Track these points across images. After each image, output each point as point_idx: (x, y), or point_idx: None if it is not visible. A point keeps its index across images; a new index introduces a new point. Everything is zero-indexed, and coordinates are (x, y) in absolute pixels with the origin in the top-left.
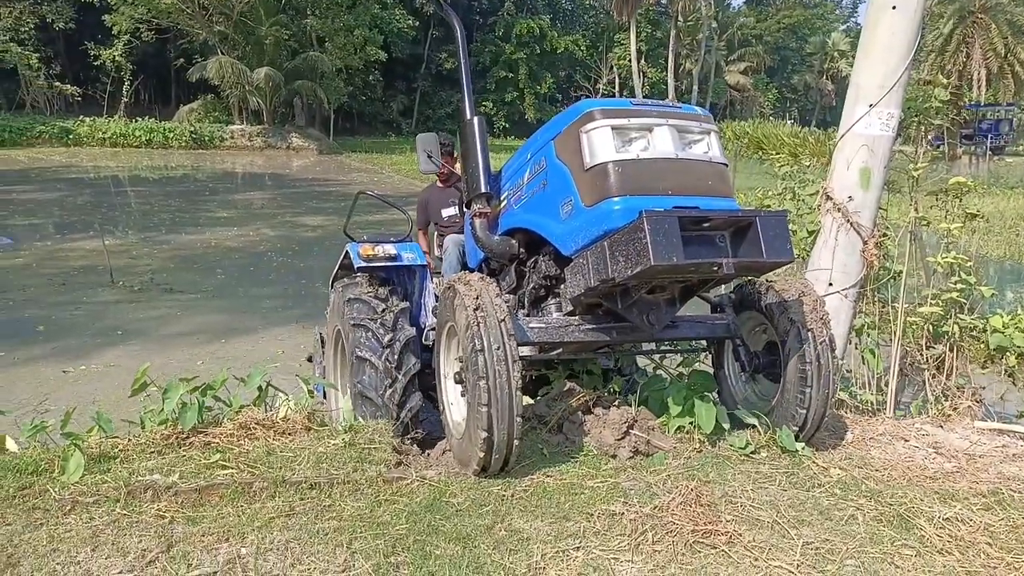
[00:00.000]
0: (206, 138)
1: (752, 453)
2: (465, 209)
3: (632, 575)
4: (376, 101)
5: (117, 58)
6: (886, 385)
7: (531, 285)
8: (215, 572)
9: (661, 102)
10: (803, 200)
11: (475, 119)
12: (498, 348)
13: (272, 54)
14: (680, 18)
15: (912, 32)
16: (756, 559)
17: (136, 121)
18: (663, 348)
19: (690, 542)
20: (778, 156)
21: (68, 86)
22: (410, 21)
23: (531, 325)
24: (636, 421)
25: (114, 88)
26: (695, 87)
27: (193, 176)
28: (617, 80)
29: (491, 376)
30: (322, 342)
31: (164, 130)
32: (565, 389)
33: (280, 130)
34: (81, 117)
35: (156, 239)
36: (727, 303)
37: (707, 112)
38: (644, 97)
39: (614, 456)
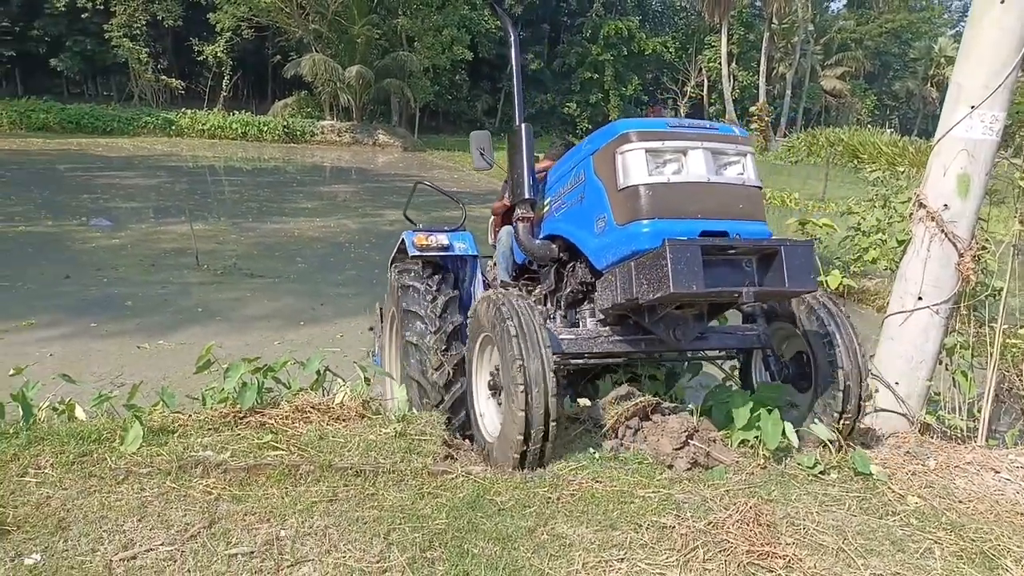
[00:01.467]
0: (297, 132)
1: (821, 473)
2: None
3: None
4: (461, 100)
5: (219, 54)
6: (978, 411)
7: (568, 289)
8: (252, 552)
9: (699, 122)
10: (895, 208)
11: (523, 126)
12: (535, 359)
13: (363, 52)
14: (775, 21)
15: (1021, 28)
16: None
17: (233, 114)
18: (695, 357)
19: (744, 563)
20: (874, 164)
21: (173, 80)
22: (498, 22)
23: (562, 336)
24: (696, 431)
25: (215, 82)
26: (788, 91)
27: (283, 168)
28: (706, 83)
29: (531, 383)
30: (381, 317)
31: (259, 124)
32: (623, 393)
33: (367, 126)
34: (183, 109)
35: (243, 226)
36: (759, 313)
37: (744, 132)
38: (734, 101)
39: (670, 466)
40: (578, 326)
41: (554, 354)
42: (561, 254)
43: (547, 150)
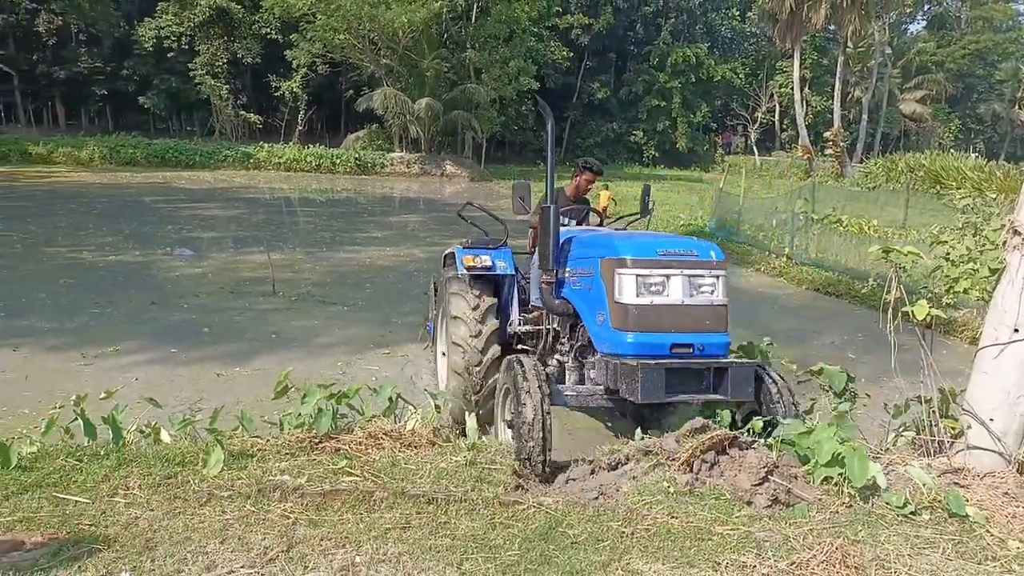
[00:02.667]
0: (368, 164)
1: (912, 514)
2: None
3: None
4: (527, 130)
5: (295, 89)
6: None
7: (578, 343)
8: None
9: (687, 247)
10: (985, 236)
11: (551, 209)
12: (535, 409)
13: (432, 86)
14: (850, 44)
15: None
16: None
17: (308, 148)
18: None
19: None
20: (959, 191)
21: (252, 115)
22: (564, 52)
23: (566, 393)
24: (777, 467)
25: (291, 117)
26: (864, 116)
27: (354, 199)
28: (777, 108)
29: (533, 427)
30: (436, 290)
31: (332, 156)
32: (698, 425)
33: (435, 157)
34: (261, 143)
35: (317, 255)
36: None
37: (721, 256)
38: (807, 126)
39: (749, 503)
40: (583, 369)
41: (555, 405)
42: (575, 312)
43: (574, 174)
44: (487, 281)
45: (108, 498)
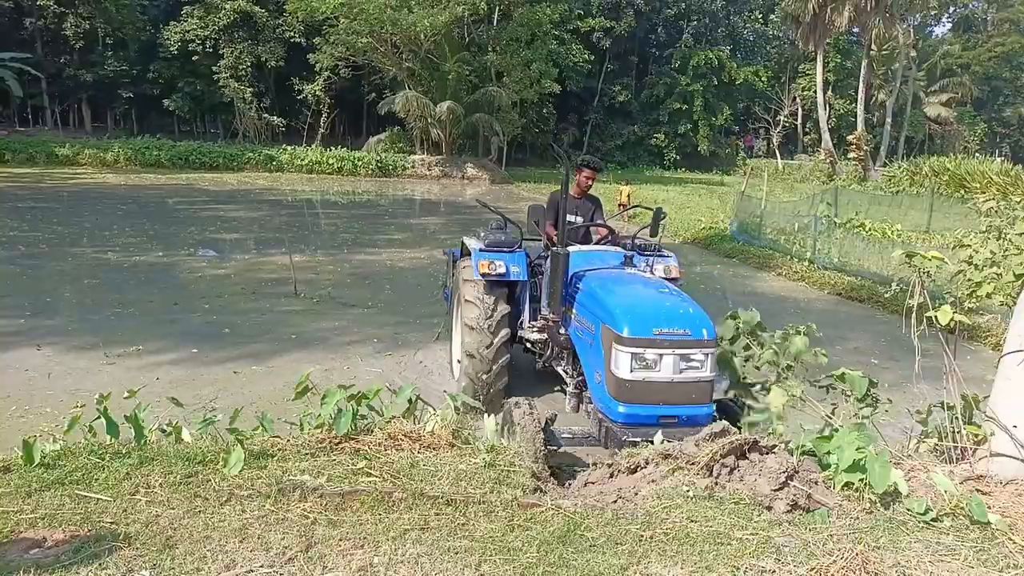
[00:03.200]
0: (390, 167)
1: (933, 520)
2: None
3: None
4: (548, 133)
5: (317, 92)
6: None
7: (580, 376)
8: None
9: (682, 323)
10: (1010, 239)
11: (562, 253)
12: (530, 448)
13: (454, 88)
14: (874, 47)
15: None
16: None
17: (330, 150)
18: None
19: None
20: (983, 195)
21: (275, 118)
22: (586, 55)
23: (563, 436)
24: (797, 472)
25: (313, 120)
26: (888, 119)
27: (376, 202)
28: (800, 111)
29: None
30: (452, 262)
31: (353, 159)
32: (718, 430)
33: (456, 160)
34: (284, 146)
35: (338, 257)
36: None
37: (713, 335)
38: (830, 130)
39: (768, 508)
40: (581, 399)
41: (551, 447)
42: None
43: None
44: (501, 283)
45: (129, 496)
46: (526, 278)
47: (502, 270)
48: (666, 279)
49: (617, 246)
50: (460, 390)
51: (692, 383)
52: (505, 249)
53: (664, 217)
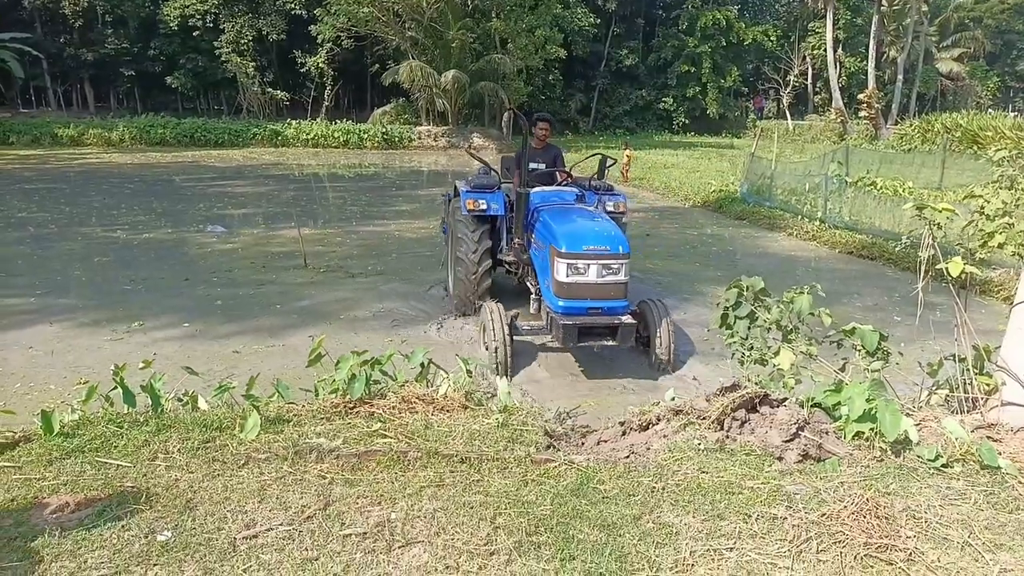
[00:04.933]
0: (395, 139)
1: (943, 467)
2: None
3: None
4: (555, 100)
5: (320, 65)
6: None
7: (539, 285)
8: (365, 533)
9: (601, 246)
10: (1023, 190)
11: (523, 192)
12: (504, 347)
13: (458, 57)
14: (884, 3)
15: None
16: None
17: (335, 124)
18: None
19: (861, 555)
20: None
21: (278, 92)
22: (592, 19)
23: (524, 327)
24: (808, 423)
25: (317, 93)
26: (899, 76)
27: (382, 174)
28: (810, 71)
29: (501, 354)
30: (448, 201)
31: (359, 131)
32: (729, 384)
33: (463, 130)
34: (288, 120)
35: (346, 229)
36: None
37: (627, 250)
38: (840, 88)
39: (780, 458)
40: (541, 304)
41: (517, 336)
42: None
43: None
44: (483, 217)
45: (148, 462)
46: (503, 213)
47: (484, 207)
48: (613, 212)
49: (579, 187)
50: (453, 305)
51: (611, 284)
52: (487, 190)
53: (613, 164)
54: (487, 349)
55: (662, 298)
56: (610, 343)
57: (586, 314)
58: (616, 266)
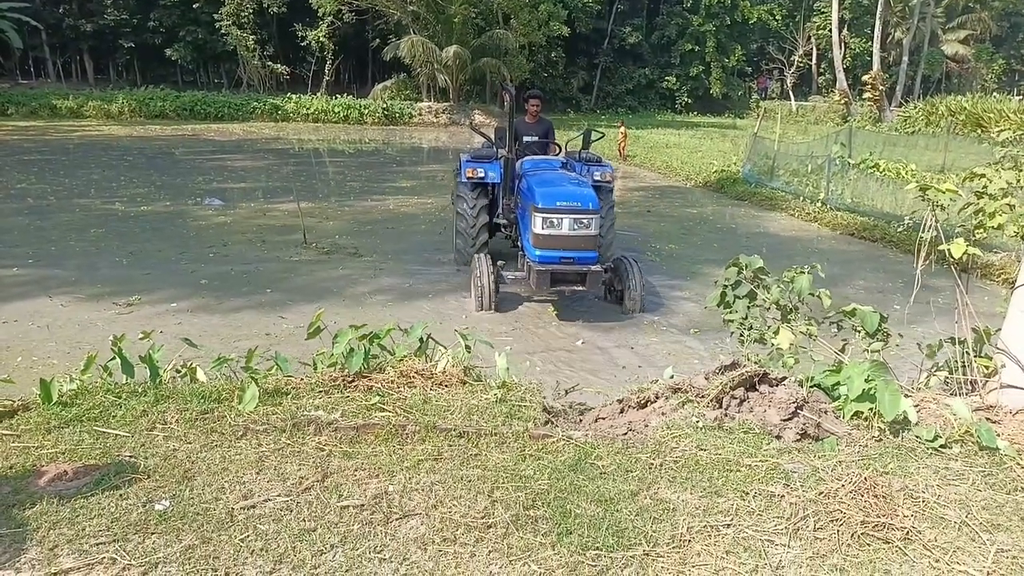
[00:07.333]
0: (396, 114)
1: (942, 447)
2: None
3: (788, 560)
4: (557, 77)
5: (321, 39)
6: None
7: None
8: (363, 504)
9: (576, 197)
10: None
11: (511, 158)
12: (488, 285)
13: (460, 32)
14: None
15: None
16: (937, 560)
17: (336, 98)
18: None
19: (859, 534)
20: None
21: (279, 66)
22: None
23: (508, 277)
24: (807, 402)
25: (318, 68)
26: (904, 58)
27: (383, 150)
28: (815, 51)
29: (486, 293)
30: (456, 174)
31: (359, 107)
32: (728, 363)
33: (464, 107)
34: (289, 95)
35: (345, 204)
36: (610, 268)
37: (597, 206)
38: (845, 70)
39: (778, 437)
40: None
41: (502, 283)
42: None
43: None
44: (483, 184)
45: (147, 432)
46: (499, 181)
47: (482, 174)
48: (600, 181)
49: (569, 158)
50: (455, 258)
51: (582, 237)
52: (485, 160)
53: (599, 137)
54: (477, 294)
55: (659, 270)
56: (580, 289)
57: (559, 263)
58: (587, 220)
